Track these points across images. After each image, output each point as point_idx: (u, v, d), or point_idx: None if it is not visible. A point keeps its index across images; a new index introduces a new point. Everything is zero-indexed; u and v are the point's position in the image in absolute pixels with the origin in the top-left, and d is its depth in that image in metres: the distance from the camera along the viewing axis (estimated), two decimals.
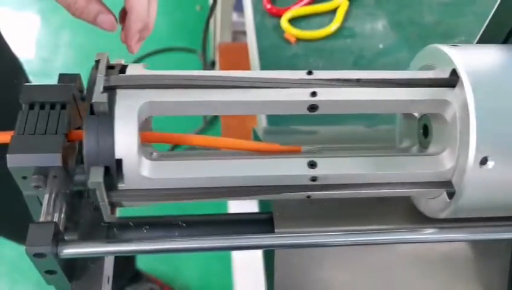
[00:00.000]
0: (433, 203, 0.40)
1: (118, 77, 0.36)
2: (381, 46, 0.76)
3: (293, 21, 0.78)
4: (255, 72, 0.38)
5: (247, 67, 0.87)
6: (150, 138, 0.38)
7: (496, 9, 0.45)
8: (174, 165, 0.36)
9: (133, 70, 0.37)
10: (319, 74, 0.38)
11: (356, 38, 0.77)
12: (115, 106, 0.34)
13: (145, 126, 0.38)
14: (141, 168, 0.35)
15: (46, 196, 0.37)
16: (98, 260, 0.39)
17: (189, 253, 0.39)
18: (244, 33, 1.51)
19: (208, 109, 0.37)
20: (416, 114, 0.43)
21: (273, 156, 0.38)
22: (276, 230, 0.42)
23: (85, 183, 0.41)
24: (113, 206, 0.36)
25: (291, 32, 0.76)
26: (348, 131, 0.52)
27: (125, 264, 1.22)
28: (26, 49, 1.81)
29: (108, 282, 0.41)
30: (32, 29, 1.88)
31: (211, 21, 1.36)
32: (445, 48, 0.39)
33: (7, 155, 0.35)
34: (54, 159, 0.35)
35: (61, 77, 0.41)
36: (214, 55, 1.64)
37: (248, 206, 0.62)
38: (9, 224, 0.99)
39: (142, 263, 1.31)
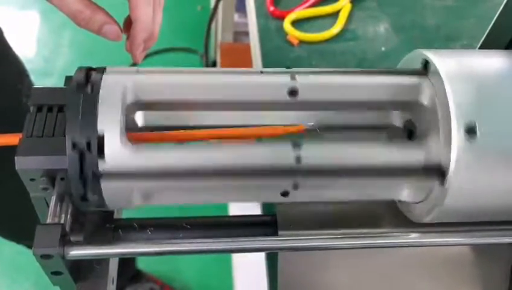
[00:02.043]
0: (422, 205, 0.40)
1: (106, 68, 0.37)
2: (383, 48, 0.77)
3: (296, 23, 0.78)
4: (236, 69, 0.39)
5: (249, 68, 0.87)
6: (137, 138, 0.37)
7: (499, 15, 0.45)
8: (162, 146, 0.36)
9: (121, 68, 0.38)
10: (298, 69, 0.39)
11: (359, 41, 0.77)
12: (100, 86, 0.35)
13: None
14: (124, 146, 0.35)
15: (53, 198, 0.37)
16: (103, 261, 0.40)
17: (193, 255, 0.39)
18: (245, 34, 1.52)
19: (190, 93, 0.38)
20: (399, 124, 0.42)
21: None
22: (279, 232, 0.42)
23: None
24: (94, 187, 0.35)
25: (294, 34, 0.76)
26: None
27: (125, 264, 1.22)
28: (27, 49, 1.81)
29: (113, 283, 0.41)
30: (33, 28, 1.89)
31: (213, 21, 1.36)
32: (422, 50, 0.40)
33: (15, 157, 0.35)
34: (62, 162, 0.35)
35: (68, 79, 0.41)
36: (216, 56, 1.64)
37: (250, 208, 0.62)
38: (8, 224, 1.00)
39: (142, 263, 1.31)
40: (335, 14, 0.80)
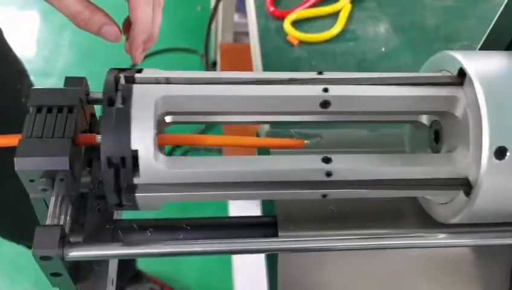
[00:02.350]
0: (447, 207, 0.41)
1: (134, 75, 0.37)
2: (383, 49, 0.76)
3: (296, 24, 0.78)
4: (267, 73, 0.38)
5: (249, 68, 0.87)
6: (166, 141, 0.38)
7: (500, 15, 0.45)
8: (189, 160, 0.36)
9: (149, 72, 0.38)
10: (329, 74, 0.39)
11: (359, 42, 0.77)
12: (131, 98, 0.35)
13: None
14: (157, 161, 0.35)
15: (53, 199, 0.37)
16: (102, 262, 0.40)
17: (192, 256, 0.39)
18: (245, 34, 1.52)
19: (223, 105, 0.37)
20: (425, 122, 0.43)
21: (288, 151, 0.39)
22: (280, 234, 0.42)
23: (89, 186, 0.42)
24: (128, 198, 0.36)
25: (294, 35, 0.76)
26: (352, 134, 0.52)
27: (125, 264, 1.22)
28: (27, 49, 1.81)
29: (112, 284, 0.41)
30: (33, 28, 1.89)
31: (213, 21, 1.36)
32: (452, 52, 0.40)
33: (15, 158, 0.35)
34: (62, 163, 0.35)
35: (68, 80, 0.41)
36: (216, 56, 1.64)
37: (249, 209, 0.62)
38: (8, 224, 1.00)
39: (142, 263, 1.31)
40: (335, 15, 0.80)
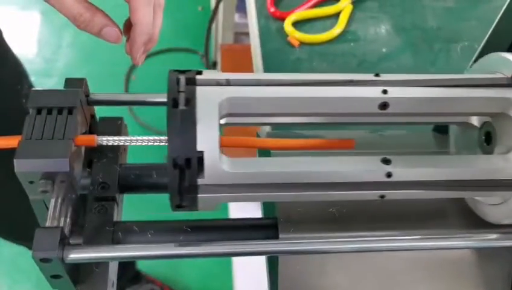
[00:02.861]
0: (499, 208, 0.41)
1: (196, 76, 0.37)
2: (384, 50, 0.76)
3: (296, 24, 0.78)
4: (324, 74, 0.39)
5: (249, 68, 0.87)
6: (227, 143, 0.39)
7: (500, 18, 0.45)
8: (250, 161, 0.37)
9: (209, 74, 0.38)
10: (386, 76, 0.39)
11: (359, 42, 0.77)
12: (195, 100, 0.35)
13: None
14: (221, 162, 0.35)
15: (53, 201, 0.37)
16: (102, 264, 0.40)
17: (192, 258, 0.39)
18: (246, 34, 1.51)
19: (285, 106, 0.38)
20: (476, 123, 0.43)
21: (344, 152, 0.39)
22: (280, 236, 0.42)
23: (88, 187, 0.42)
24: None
25: (295, 35, 0.76)
26: (354, 136, 0.52)
27: (125, 265, 1.22)
28: (28, 49, 1.81)
29: (113, 286, 0.41)
30: (34, 29, 1.88)
31: (213, 22, 1.36)
32: (506, 54, 0.40)
33: (14, 160, 0.35)
34: (62, 164, 0.35)
35: (68, 81, 0.41)
36: (216, 56, 1.64)
37: (250, 211, 0.62)
38: (8, 225, 1.00)
39: (142, 264, 1.31)
40: (336, 15, 0.80)
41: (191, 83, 0.36)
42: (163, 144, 0.39)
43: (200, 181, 0.35)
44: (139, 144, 0.39)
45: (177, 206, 0.36)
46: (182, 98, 0.35)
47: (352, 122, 0.42)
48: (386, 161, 0.37)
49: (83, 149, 0.41)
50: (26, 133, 0.36)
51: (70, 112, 0.38)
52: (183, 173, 0.34)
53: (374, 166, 0.37)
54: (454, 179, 0.38)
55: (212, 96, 0.36)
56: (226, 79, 0.37)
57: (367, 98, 0.38)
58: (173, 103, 0.35)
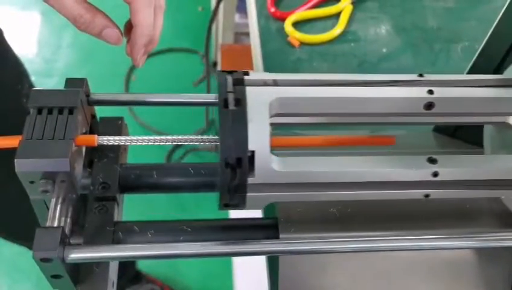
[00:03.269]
0: None
1: (244, 77, 0.37)
2: (384, 50, 0.76)
3: (296, 25, 0.78)
4: (366, 75, 0.39)
5: (249, 68, 0.87)
6: (277, 143, 0.39)
7: (501, 18, 0.45)
8: (298, 160, 0.37)
9: (256, 74, 0.38)
10: (429, 76, 0.40)
11: (360, 43, 0.77)
12: (246, 100, 0.35)
13: None
14: (271, 161, 0.35)
15: (53, 201, 0.37)
16: (103, 263, 0.40)
17: (193, 258, 0.39)
18: (246, 34, 1.51)
19: (334, 106, 0.38)
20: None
21: (389, 152, 0.40)
22: (281, 236, 0.42)
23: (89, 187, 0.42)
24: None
25: (295, 36, 0.76)
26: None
27: (125, 265, 1.22)
28: (28, 49, 1.81)
29: (113, 286, 0.41)
30: (34, 29, 1.89)
31: (213, 22, 1.36)
32: None
33: (15, 160, 0.35)
34: (63, 164, 0.35)
35: (68, 81, 0.41)
36: (216, 56, 1.64)
37: (250, 211, 0.62)
38: (9, 225, 1.00)
39: (142, 264, 1.31)
40: (336, 16, 0.80)
41: (239, 83, 0.37)
42: (163, 143, 0.39)
43: (250, 180, 0.35)
44: (139, 144, 0.39)
45: (225, 205, 0.37)
46: (231, 98, 0.35)
47: (395, 122, 0.43)
48: (432, 161, 0.38)
49: (83, 149, 0.41)
50: (27, 133, 0.36)
51: (71, 111, 0.38)
52: (234, 172, 0.35)
53: (421, 165, 0.38)
54: (497, 179, 0.38)
55: (262, 96, 0.36)
56: (273, 79, 0.37)
57: (413, 98, 0.38)
58: (224, 103, 0.35)
